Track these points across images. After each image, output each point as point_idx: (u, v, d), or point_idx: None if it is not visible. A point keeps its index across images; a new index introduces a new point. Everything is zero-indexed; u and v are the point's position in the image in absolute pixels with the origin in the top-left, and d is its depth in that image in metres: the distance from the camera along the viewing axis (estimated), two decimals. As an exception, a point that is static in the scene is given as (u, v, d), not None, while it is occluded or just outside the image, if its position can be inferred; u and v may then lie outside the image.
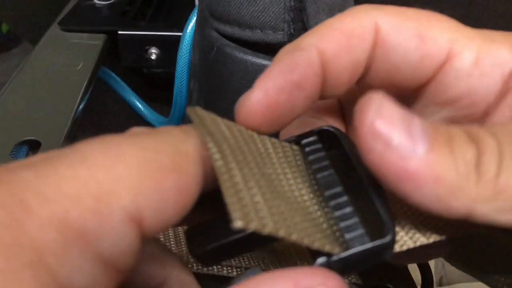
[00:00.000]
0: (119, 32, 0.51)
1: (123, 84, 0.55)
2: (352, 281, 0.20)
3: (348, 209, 0.15)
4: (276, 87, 0.15)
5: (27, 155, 0.37)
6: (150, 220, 0.12)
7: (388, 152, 0.13)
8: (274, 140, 0.17)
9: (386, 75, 0.17)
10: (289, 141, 0.18)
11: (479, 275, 0.20)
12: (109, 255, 0.11)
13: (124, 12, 0.54)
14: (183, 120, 0.49)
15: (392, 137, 0.13)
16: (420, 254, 0.17)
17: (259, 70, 0.29)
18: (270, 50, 0.30)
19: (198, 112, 0.15)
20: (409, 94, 0.18)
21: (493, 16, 0.47)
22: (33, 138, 0.37)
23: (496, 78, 0.16)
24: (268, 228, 0.13)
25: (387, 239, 0.14)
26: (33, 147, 0.37)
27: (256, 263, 0.20)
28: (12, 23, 0.74)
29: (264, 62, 0.29)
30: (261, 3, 0.28)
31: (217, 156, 0.13)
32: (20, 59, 0.50)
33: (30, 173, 0.11)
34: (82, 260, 0.11)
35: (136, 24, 0.52)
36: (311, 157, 0.17)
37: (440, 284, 0.58)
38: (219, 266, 0.19)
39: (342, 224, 0.15)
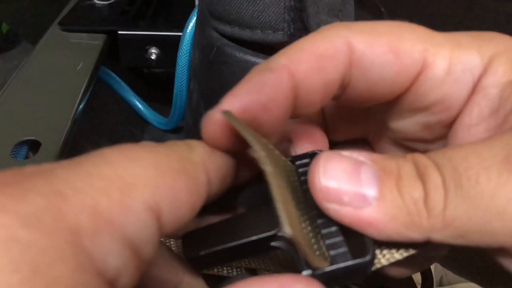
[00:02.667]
0: (119, 32, 0.51)
1: (123, 84, 0.55)
2: (287, 253, 0.21)
3: (333, 228, 0.16)
4: (241, 107, 0.16)
5: (27, 155, 0.37)
6: (166, 215, 0.14)
7: (342, 208, 0.14)
8: (279, 154, 0.18)
9: (364, 91, 0.17)
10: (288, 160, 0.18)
11: (470, 278, 0.21)
12: (134, 240, 0.13)
13: (124, 12, 0.54)
14: (183, 120, 0.49)
15: (342, 195, 0.14)
16: (415, 261, 0.18)
17: (259, 70, 0.29)
18: (270, 50, 0.30)
19: (237, 118, 0.16)
20: (386, 103, 0.18)
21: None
22: (33, 138, 0.37)
23: (468, 82, 0.17)
24: (298, 239, 0.14)
25: (367, 258, 0.15)
26: (33, 147, 0.37)
27: (257, 263, 0.20)
28: (12, 23, 0.74)
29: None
30: (261, 3, 0.28)
31: (269, 168, 0.14)
32: (20, 59, 0.50)
33: (64, 171, 0.13)
34: (112, 243, 0.12)
35: (136, 24, 0.52)
36: (303, 178, 0.17)
37: (440, 284, 0.58)
38: (219, 267, 0.20)
39: (328, 241, 0.16)
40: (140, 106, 0.56)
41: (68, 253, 0.11)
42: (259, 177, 0.19)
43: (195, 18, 0.42)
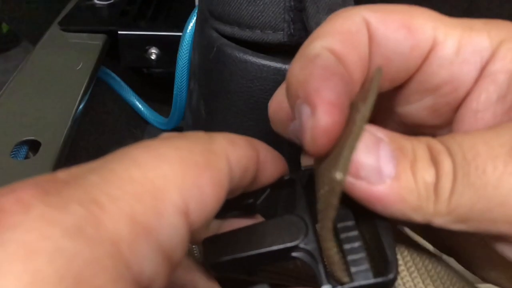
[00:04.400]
0: (119, 32, 0.51)
1: (123, 84, 0.55)
2: (307, 265, 0.21)
3: (356, 244, 0.16)
4: (336, 98, 0.15)
5: (27, 155, 0.37)
6: (194, 214, 0.14)
7: (357, 182, 0.14)
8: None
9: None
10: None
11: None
12: (167, 247, 0.13)
13: (124, 12, 0.54)
14: (183, 120, 0.49)
15: (359, 169, 0.14)
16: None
17: (259, 70, 0.29)
18: (270, 50, 0.30)
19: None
20: (394, 88, 0.18)
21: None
22: (33, 138, 0.37)
23: (476, 64, 0.17)
24: (332, 251, 0.15)
25: (389, 277, 0.15)
26: (33, 147, 0.37)
27: (275, 276, 0.20)
28: (12, 23, 0.74)
29: (264, 62, 0.29)
30: (261, 3, 0.28)
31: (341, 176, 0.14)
32: (20, 59, 0.50)
33: (96, 177, 0.13)
34: (148, 251, 0.12)
35: (136, 24, 0.52)
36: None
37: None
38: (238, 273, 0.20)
39: (350, 258, 0.15)
40: (140, 106, 0.56)
41: (108, 263, 0.11)
42: (278, 183, 0.19)
43: (195, 18, 0.42)
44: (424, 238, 0.22)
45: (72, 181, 0.13)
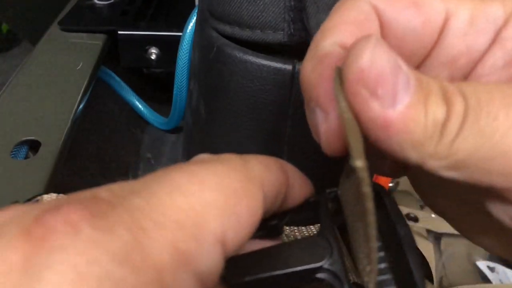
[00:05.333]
0: (119, 32, 0.51)
1: (123, 84, 0.55)
2: (352, 282, 0.20)
3: (383, 265, 0.16)
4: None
5: (27, 155, 0.37)
6: (230, 242, 0.14)
7: (371, 99, 0.14)
8: None
9: (395, 50, 0.17)
10: None
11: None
12: (204, 276, 0.13)
13: (124, 12, 0.54)
14: (183, 120, 0.49)
15: (378, 86, 0.14)
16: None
17: (259, 70, 0.29)
18: (270, 50, 0.30)
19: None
20: (415, 65, 0.18)
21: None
22: (33, 138, 0.37)
23: (490, 34, 0.17)
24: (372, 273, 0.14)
25: None
26: (33, 147, 0.37)
27: None
28: (12, 23, 0.74)
29: (264, 62, 0.29)
30: (261, 3, 0.28)
31: (368, 189, 0.14)
32: (20, 59, 0.50)
33: (140, 200, 0.13)
34: (187, 280, 0.12)
35: (136, 24, 0.52)
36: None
37: (440, 285, 0.58)
38: None
39: (377, 279, 0.15)
40: (140, 106, 0.56)
41: None
42: (303, 205, 0.19)
43: (195, 18, 0.42)
44: (421, 197, 0.21)
45: (116, 203, 0.12)
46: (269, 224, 0.19)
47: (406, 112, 0.14)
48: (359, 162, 0.13)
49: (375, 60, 0.14)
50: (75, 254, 0.11)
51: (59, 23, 0.52)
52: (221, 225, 0.13)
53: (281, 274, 0.16)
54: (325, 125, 0.15)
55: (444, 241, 0.45)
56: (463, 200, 0.19)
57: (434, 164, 0.14)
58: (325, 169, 0.33)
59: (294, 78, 0.29)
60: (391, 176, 0.21)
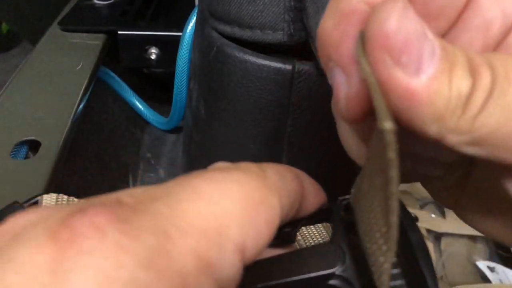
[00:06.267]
0: (119, 32, 0.51)
1: (123, 84, 0.55)
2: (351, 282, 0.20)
3: (395, 271, 0.15)
4: None
5: (27, 155, 0.37)
6: (249, 251, 0.14)
7: (393, 67, 0.13)
8: None
9: (423, 5, 0.16)
10: None
11: None
12: (224, 283, 0.13)
13: (124, 12, 0.54)
14: (183, 120, 0.49)
15: (403, 56, 0.13)
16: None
17: (259, 70, 0.29)
18: (270, 50, 0.30)
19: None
20: (443, 24, 0.17)
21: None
22: (33, 138, 0.37)
23: None
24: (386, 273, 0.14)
25: None
26: (33, 147, 0.37)
27: None
28: (12, 23, 0.74)
29: (264, 62, 0.29)
30: (261, 3, 0.28)
31: (389, 124, 0.13)
32: (20, 59, 0.50)
33: (164, 207, 0.13)
34: (209, 286, 0.12)
35: (136, 24, 0.52)
36: None
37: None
38: None
39: (390, 284, 0.15)
40: (140, 106, 0.56)
41: None
42: (316, 213, 0.19)
43: (195, 18, 0.42)
44: (423, 184, 0.20)
45: (139, 208, 0.13)
46: (283, 231, 0.19)
47: (429, 83, 0.13)
48: (387, 124, 0.12)
49: (401, 26, 0.13)
50: (102, 258, 0.11)
51: (59, 23, 0.52)
52: (241, 234, 0.13)
53: (293, 281, 0.16)
54: (346, 88, 0.14)
55: (444, 241, 0.45)
56: (475, 180, 0.18)
57: (454, 139, 0.14)
58: (325, 169, 0.33)
59: (294, 78, 0.29)
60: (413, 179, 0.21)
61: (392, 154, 0.12)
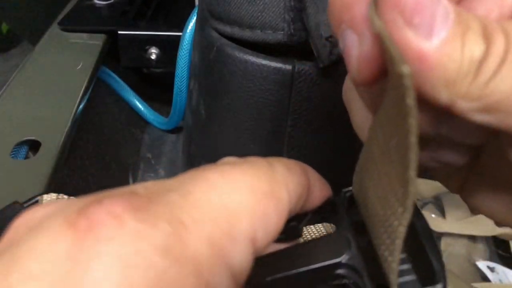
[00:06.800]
0: (119, 32, 0.51)
1: (123, 84, 0.55)
2: (352, 281, 0.20)
3: (402, 255, 0.16)
4: None
5: (27, 155, 0.37)
6: (259, 241, 0.14)
7: (406, 28, 0.13)
8: None
9: None
10: None
11: None
12: (236, 272, 0.13)
13: (124, 12, 0.54)
14: (183, 120, 0.49)
15: (415, 17, 0.13)
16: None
17: (259, 70, 0.29)
18: (270, 50, 0.30)
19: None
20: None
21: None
22: (33, 138, 0.37)
23: None
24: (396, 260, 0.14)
25: (438, 287, 0.15)
26: (33, 147, 0.37)
27: None
28: (12, 23, 0.74)
29: (264, 62, 0.29)
30: (261, 3, 0.28)
31: (406, 69, 0.13)
32: (20, 59, 0.50)
33: (177, 197, 0.13)
34: (222, 274, 0.13)
35: (136, 24, 0.52)
36: None
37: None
38: None
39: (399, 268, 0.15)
40: (140, 106, 0.56)
41: (192, 282, 0.12)
42: (321, 206, 0.19)
43: (195, 18, 0.42)
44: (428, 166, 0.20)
45: (154, 198, 0.13)
46: (288, 226, 0.19)
47: (441, 47, 0.13)
48: (405, 68, 0.12)
49: None
50: (121, 245, 0.11)
51: (59, 23, 0.52)
52: (251, 224, 0.14)
53: (300, 272, 0.16)
54: (358, 48, 0.14)
55: (444, 241, 0.45)
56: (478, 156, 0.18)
57: (465, 106, 0.13)
58: (325, 168, 0.33)
59: (294, 78, 0.29)
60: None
61: (410, 100, 0.12)
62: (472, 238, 0.46)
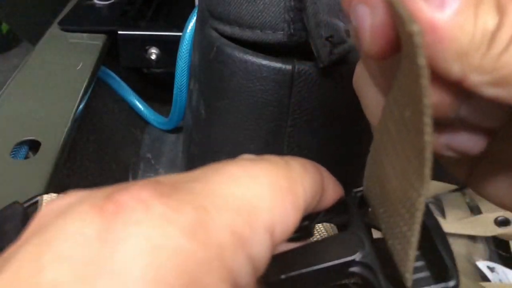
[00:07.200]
0: (119, 32, 0.51)
1: (123, 84, 0.55)
2: (352, 282, 0.21)
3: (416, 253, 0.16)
4: None
5: (27, 155, 0.37)
6: (277, 234, 0.14)
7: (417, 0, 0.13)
8: None
9: None
10: None
11: None
12: (256, 261, 0.14)
13: (124, 12, 0.54)
14: (183, 120, 0.49)
15: None
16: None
17: (259, 70, 0.29)
18: (270, 50, 0.30)
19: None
20: None
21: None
22: (33, 138, 0.37)
23: None
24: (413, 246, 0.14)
25: (451, 283, 0.15)
26: (33, 147, 0.37)
27: None
28: (12, 23, 0.74)
29: (264, 62, 0.29)
30: (261, 3, 0.28)
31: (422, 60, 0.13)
32: (20, 59, 0.50)
33: (201, 186, 0.14)
34: (243, 262, 0.13)
35: (136, 24, 0.52)
36: None
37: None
38: None
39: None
40: (140, 106, 0.56)
41: (216, 265, 0.12)
42: (333, 207, 0.19)
43: (195, 18, 0.42)
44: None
45: (178, 186, 0.13)
46: (301, 225, 0.19)
47: (453, 18, 0.13)
48: (415, 26, 0.12)
49: None
50: (148, 227, 0.12)
51: (59, 23, 0.52)
52: (270, 216, 0.14)
53: (314, 270, 0.16)
54: (371, 19, 0.14)
55: (444, 241, 0.45)
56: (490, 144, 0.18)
57: (477, 79, 0.13)
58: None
59: (294, 78, 0.29)
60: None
61: (421, 59, 0.12)
62: (472, 238, 0.46)
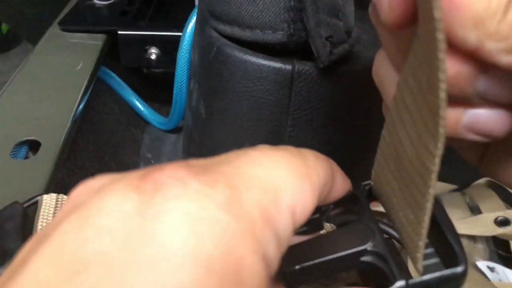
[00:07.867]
0: (119, 32, 0.51)
1: (123, 84, 0.55)
2: (352, 282, 0.21)
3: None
4: None
5: (27, 155, 0.37)
6: (297, 215, 0.15)
7: None
8: None
9: None
10: None
11: None
12: (280, 239, 0.14)
13: (124, 12, 0.54)
14: (183, 120, 0.49)
15: None
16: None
17: (259, 70, 0.29)
18: (270, 50, 0.30)
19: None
20: None
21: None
22: (33, 138, 0.37)
23: None
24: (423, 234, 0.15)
25: (460, 268, 0.15)
26: (33, 147, 0.37)
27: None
28: (12, 23, 0.74)
29: (264, 62, 0.29)
30: (261, 3, 0.28)
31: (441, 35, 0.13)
32: (20, 59, 0.50)
33: (229, 168, 0.14)
34: (270, 237, 0.14)
35: (136, 24, 0.52)
36: None
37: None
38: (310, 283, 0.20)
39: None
40: (140, 106, 0.56)
41: (249, 237, 0.13)
42: (342, 199, 0.19)
43: (195, 18, 0.42)
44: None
45: (208, 167, 0.14)
46: (311, 218, 0.19)
47: None
48: (437, 13, 0.12)
49: None
50: (187, 202, 0.13)
51: (59, 23, 0.52)
52: (292, 197, 0.15)
53: (327, 260, 0.17)
54: None
55: (444, 241, 0.45)
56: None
57: (493, 47, 0.13)
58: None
59: (294, 78, 0.29)
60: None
61: (437, 12, 0.12)
62: (472, 238, 0.46)
